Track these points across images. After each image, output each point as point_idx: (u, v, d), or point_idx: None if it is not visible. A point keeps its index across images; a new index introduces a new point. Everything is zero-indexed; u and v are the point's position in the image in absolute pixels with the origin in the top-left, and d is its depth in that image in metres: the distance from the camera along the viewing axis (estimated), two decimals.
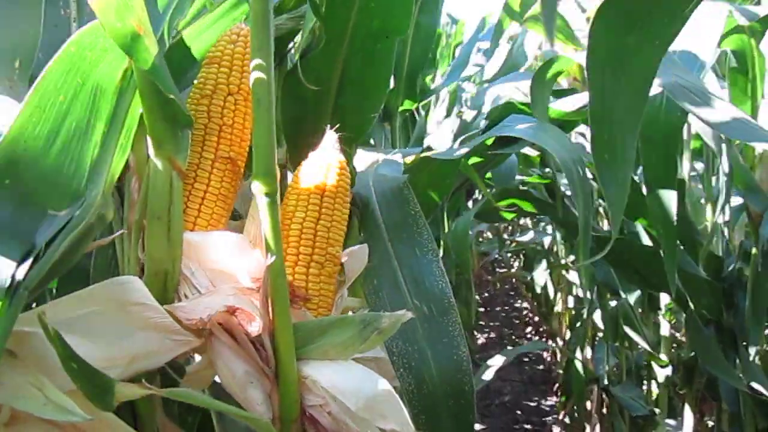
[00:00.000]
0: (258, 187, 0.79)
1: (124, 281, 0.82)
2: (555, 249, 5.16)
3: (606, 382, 3.45)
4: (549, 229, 5.07)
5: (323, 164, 0.94)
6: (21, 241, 0.67)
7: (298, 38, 1.24)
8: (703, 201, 2.65)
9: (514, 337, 6.38)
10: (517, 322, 6.92)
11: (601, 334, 3.79)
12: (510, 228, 7.33)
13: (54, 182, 0.70)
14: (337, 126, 1.08)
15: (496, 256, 6.49)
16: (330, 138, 0.97)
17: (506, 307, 7.40)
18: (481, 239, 5.93)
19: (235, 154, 0.94)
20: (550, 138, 1.69)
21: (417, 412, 1.17)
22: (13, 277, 0.65)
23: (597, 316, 3.64)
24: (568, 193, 2.94)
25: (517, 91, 2.50)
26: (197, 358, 1.04)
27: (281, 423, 0.90)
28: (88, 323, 0.77)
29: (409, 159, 1.64)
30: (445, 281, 1.31)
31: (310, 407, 0.90)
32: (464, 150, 1.91)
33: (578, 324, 4.16)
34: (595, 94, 0.83)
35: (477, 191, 3.18)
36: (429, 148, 1.96)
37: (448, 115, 3.75)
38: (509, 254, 6.97)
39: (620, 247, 2.39)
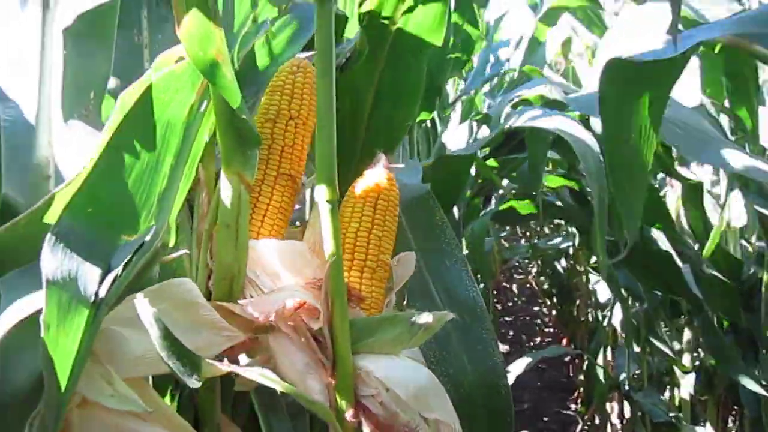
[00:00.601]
0: (321, 195, 0.89)
1: (180, 282, 0.92)
2: (572, 254, 5.22)
3: (627, 388, 3.49)
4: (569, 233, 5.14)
5: (375, 180, 1.04)
6: (101, 262, 0.77)
7: None
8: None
9: (533, 344, 6.43)
10: (536, 328, 6.97)
11: (622, 340, 3.84)
12: (528, 234, 7.40)
13: (128, 211, 0.81)
14: (372, 137, 1.17)
15: (515, 262, 6.56)
16: (381, 157, 1.08)
17: (525, 314, 7.46)
18: (504, 245, 6.00)
19: (294, 172, 1.05)
20: (561, 123, 1.78)
21: None
22: (96, 294, 0.75)
23: (617, 321, 3.69)
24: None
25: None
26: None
27: (336, 411, 1.00)
28: None
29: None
30: (475, 289, 1.40)
31: (363, 397, 1.00)
32: (477, 145, 2.00)
33: (598, 329, 4.22)
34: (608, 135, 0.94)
35: (494, 198, 3.25)
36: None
37: (462, 122, 3.83)
38: (527, 260, 7.03)
39: (638, 252, 2.47)
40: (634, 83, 0.95)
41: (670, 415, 3.10)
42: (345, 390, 0.98)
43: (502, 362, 1.37)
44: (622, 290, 3.14)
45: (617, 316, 3.64)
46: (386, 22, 1.21)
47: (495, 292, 5.93)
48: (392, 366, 0.98)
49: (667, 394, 3.48)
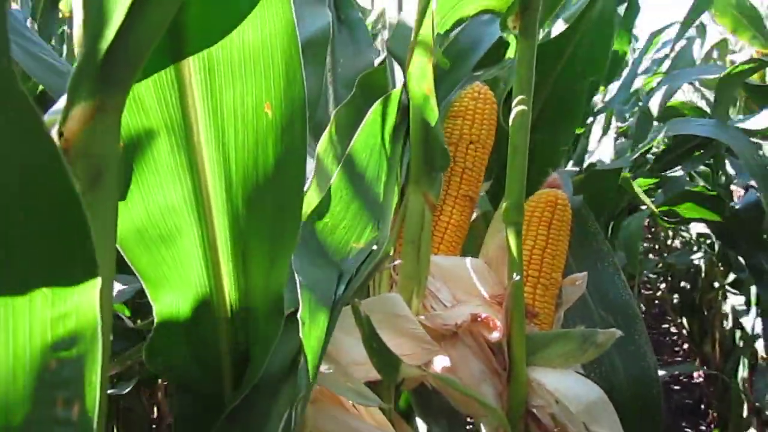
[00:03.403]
0: (509, 218, 0.96)
1: (392, 297, 1.01)
2: (705, 270, 4.99)
3: None
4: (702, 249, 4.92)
5: (550, 200, 1.10)
6: (336, 267, 0.88)
7: None
8: None
9: (661, 363, 6.18)
10: (665, 347, 6.69)
11: (763, 361, 3.64)
12: (657, 247, 7.12)
13: (362, 221, 0.91)
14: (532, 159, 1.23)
15: (645, 277, 6.33)
16: (553, 177, 1.13)
17: (653, 331, 7.17)
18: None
19: (473, 193, 1.13)
20: (729, 137, 1.77)
21: None
22: (335, 294, 0.85)
23: (759, 342, 3.51)
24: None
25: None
26: None
27: (508, 418, 1.07)
28: None
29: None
30: (628, 293, 1.44)
31: (534, 407, 1.06)
32: (627, 160, 2.01)
33: (735, 350, 4.02)
34: None
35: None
36: (592, 166, 2.06)
37: (605, 133, 3.77)
38: (655, 275, 6.76)
39: None
40: None
41: None
42: (518, 399, 1.05)
43: (655, 364, 1.39)
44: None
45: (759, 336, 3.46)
46: (557, 52, 1.27)
47: None
48: (563, 380, 1.04)
49: None
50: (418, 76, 0.88)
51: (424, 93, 0.90)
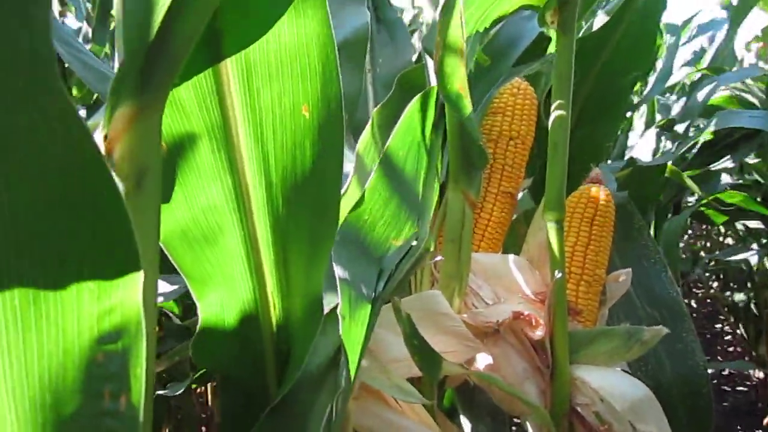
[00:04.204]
0: (550, 215, 0.96)
1: (433, 295, 1.01)
2: (758, 267, 4.83)
3: None
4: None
5: (592, 196, 1.09)
6: (376, 263, 0.88)
7: None
8: None
9: (714, 364, 6.00)
10: (718, 347, 6.51)
11: None
12: (708, 245, 6.92)
13: (401, 217, 0.91)
14: (574, 156, 1.21)
15: (695, 276, 6.16)
16: (595, 172, 1.12)
17: (705, 331, 6.98)
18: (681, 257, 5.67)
19: (513, 190, 1.12)
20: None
21: None
22: (375, 290, 0.86)
23: None
24: None
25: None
26: None
27: (551, 416, 1.06)
28: None
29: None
30: (675, 289, 1.41)
31: (578, 405, 1.05)
32: (672, 156, 1.97)
33: None
34: None
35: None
36: (633, 161, 2.03)
37: (648, 126, 3.70)
38: (707, 274, 6.57)
39: None
40: None
41: None
42: (561, 397, 1.04)
43: (704, 363, 1.35)
44: None
45: None
46: (599, 46, 1.25)
47: None
48: (608, 377, 1.02)
49: None
50: (449, 74, 0.88)
51: (456, 91, 0.90)
